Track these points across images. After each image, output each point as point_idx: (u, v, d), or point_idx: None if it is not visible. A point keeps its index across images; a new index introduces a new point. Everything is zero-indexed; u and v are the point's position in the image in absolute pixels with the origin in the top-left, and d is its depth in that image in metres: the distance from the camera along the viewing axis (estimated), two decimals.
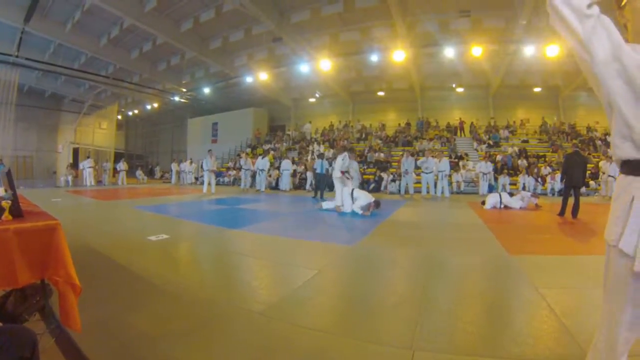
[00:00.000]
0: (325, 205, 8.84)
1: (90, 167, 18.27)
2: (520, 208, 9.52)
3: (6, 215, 1.93)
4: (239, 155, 21.45)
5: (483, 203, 9.79)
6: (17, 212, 2.00)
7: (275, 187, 17.13)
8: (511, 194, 10.28)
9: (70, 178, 18.26)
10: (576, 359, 1.88)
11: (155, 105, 25.27)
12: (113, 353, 1.99)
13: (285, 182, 16.40)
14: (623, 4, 1.19)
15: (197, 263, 4.32)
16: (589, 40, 1.09)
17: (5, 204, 1.93)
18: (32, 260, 1.82)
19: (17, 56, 15.11)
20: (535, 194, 10.43)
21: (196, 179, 21.77)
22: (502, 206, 9.51)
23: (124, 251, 4.31)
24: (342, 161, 8.61)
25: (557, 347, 2.07)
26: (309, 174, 16.16)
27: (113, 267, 3.60)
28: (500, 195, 9.76)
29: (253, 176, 16.10)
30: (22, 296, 2.05)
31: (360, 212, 7.91)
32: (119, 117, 27.69)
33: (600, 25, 1.08)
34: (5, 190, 2.04)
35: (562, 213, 7.80)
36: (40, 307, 2.13)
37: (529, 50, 13.66)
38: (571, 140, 17.44)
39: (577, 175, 7.72)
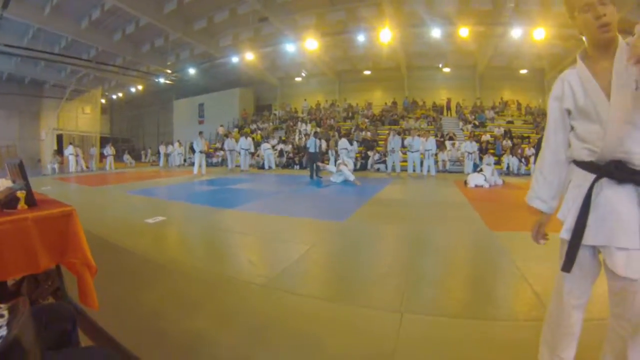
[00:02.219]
0: (333, 178, 10.17)
1: (71, 154, 17.95)
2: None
3: (22, 204, 2.04)
4: (226, 135, 21.38)
5: (466, 183, 9.96)
6: (31, 201, 2.12)
7: (263, 167, 17.46)
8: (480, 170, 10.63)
9: (56, 165, 17.98)
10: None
11: (140, 87, 24.68)
12: (129, 327, 2.17)
13: (270, 161, 16.97)
14: (575, 14, 1.25)
15: (196, 242, 4.50)
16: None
17: (21, 194, 2.05)
18: (51, 245, 1.94)
19: None
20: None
21: (184, 160, 21.68)
22: (489, 185, 9.81)
23: (124, 235, 4.44)
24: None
25: (528, 310, 2.37)
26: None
27: (116, 250, 3.75)
28: (484, 176, 9.97)
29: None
30: (35, 281, 2.19)
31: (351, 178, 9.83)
32: (103, 101, 26.96)
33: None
34: (14, 181, 2.15)
35: None
36: (53, 291, 2.26)
37: (516, 33, 13.71)
38: None
39: None
